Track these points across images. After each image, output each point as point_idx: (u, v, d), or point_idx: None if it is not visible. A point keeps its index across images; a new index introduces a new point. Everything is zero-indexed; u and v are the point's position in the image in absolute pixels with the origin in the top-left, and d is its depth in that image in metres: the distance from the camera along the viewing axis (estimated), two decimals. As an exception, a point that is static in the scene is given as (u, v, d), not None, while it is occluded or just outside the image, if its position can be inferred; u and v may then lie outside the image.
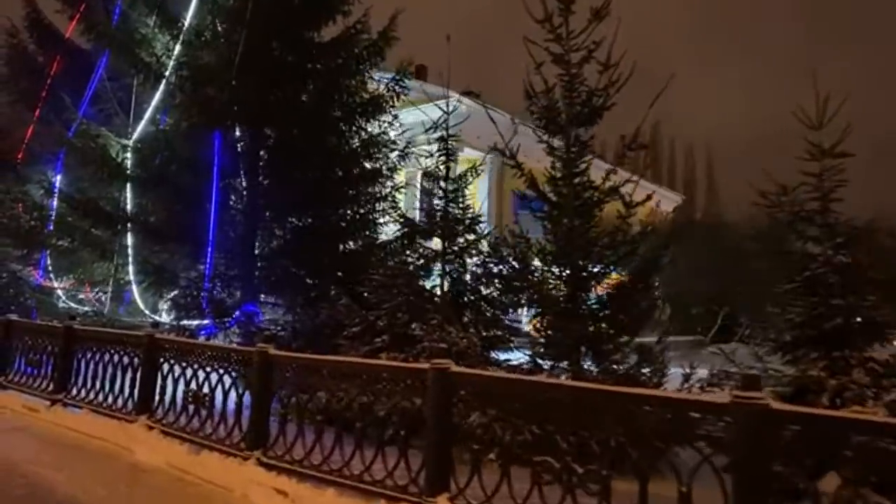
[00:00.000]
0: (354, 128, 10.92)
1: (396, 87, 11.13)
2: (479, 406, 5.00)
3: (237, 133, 10.65)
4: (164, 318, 10.28)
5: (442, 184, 8.66)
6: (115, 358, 7.90)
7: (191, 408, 6.78)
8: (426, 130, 8.63)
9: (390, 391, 5.34)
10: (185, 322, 9.97)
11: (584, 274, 7.46)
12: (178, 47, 10.56)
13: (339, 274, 9.93)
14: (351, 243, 10.89)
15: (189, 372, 6.94)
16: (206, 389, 6.67)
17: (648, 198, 7.72)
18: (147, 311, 10.07)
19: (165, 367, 7.28)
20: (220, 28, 10.79)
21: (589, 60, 7.62)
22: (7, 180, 11.59)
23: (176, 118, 10.61)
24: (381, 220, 11.02)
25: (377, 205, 11.06)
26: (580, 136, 7.71)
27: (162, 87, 10.51)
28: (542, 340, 7.57)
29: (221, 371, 6.60)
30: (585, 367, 7.12)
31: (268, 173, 10.71)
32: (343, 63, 10.90)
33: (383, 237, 10.91)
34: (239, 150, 10.63)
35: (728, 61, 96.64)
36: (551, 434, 4.27)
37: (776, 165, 6.72)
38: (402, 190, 11.50)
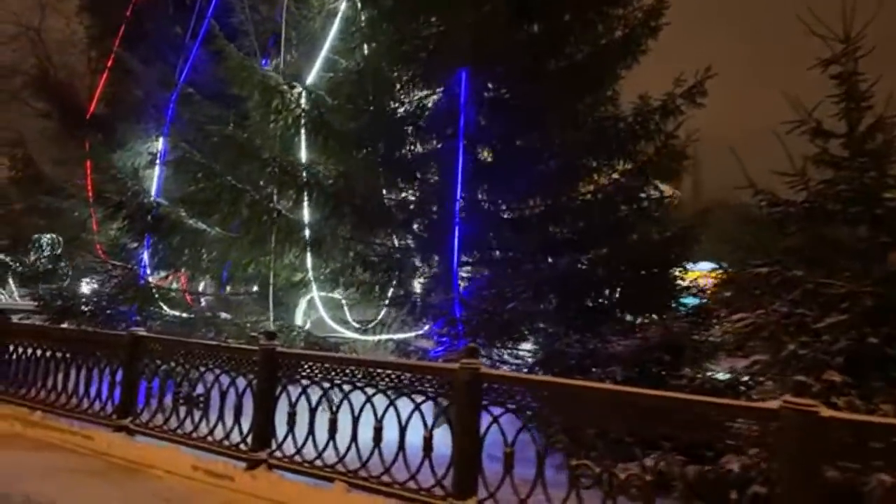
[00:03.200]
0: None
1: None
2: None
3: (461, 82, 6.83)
4: (351, 331, 7.41)
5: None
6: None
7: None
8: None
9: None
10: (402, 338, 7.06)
11: None
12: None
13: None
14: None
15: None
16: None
17: None
18: (332, 323, 7.39)
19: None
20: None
21: None
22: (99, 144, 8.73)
23: (368, 57, 7.37)
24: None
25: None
26: None
27: (340, 16, 7.76)
28: None
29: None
30: None
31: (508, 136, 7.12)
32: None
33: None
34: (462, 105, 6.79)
35: None
36: None
37: None
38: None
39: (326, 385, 5.39)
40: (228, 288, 8.19)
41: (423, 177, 6.65)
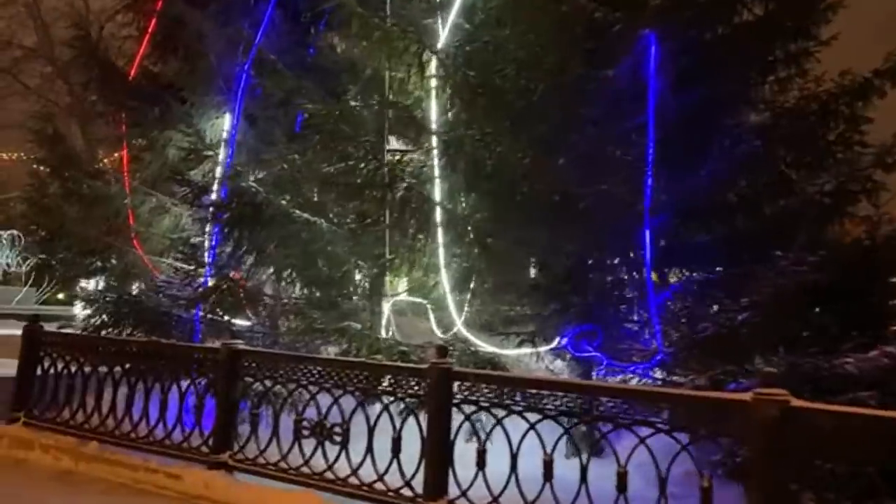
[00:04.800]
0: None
1: None
2: None
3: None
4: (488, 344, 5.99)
5: None
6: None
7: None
8: None
9: None
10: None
11: None
12: None
13: None
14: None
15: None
16: None
17: None
18: (465, 332, 5.66)
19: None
20: None
21: None
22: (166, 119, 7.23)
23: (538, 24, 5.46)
24: None
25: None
26: None
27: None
28: None
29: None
30: None
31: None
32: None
33: None
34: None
35: None
36: None
37: None
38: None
39: (516, 415, 4.25)
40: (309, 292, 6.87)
41: (605, 164, 5.42)
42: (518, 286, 5.75)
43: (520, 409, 4.29)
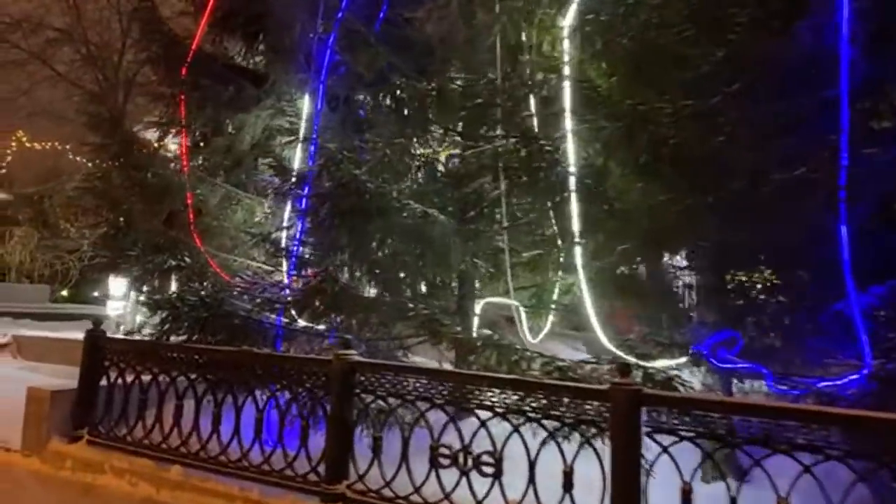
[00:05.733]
0: None
1: None
2: None
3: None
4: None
5: None
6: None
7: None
8: None
9: None
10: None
11: None
12: None
13: None
14: None
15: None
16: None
17: None
18: (610, 346, 5.12)
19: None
20: None
21: None
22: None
23: None
24: None
25: None
26: None
27: None
28: None
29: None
30: None
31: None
32: None
33: None
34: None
35: None
36: None
37: None
38: None
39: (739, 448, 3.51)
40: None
41: (797, 143, 4.56)
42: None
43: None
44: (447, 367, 5.39)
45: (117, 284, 12.54)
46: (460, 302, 5.74)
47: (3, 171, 17.02)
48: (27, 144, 15.14)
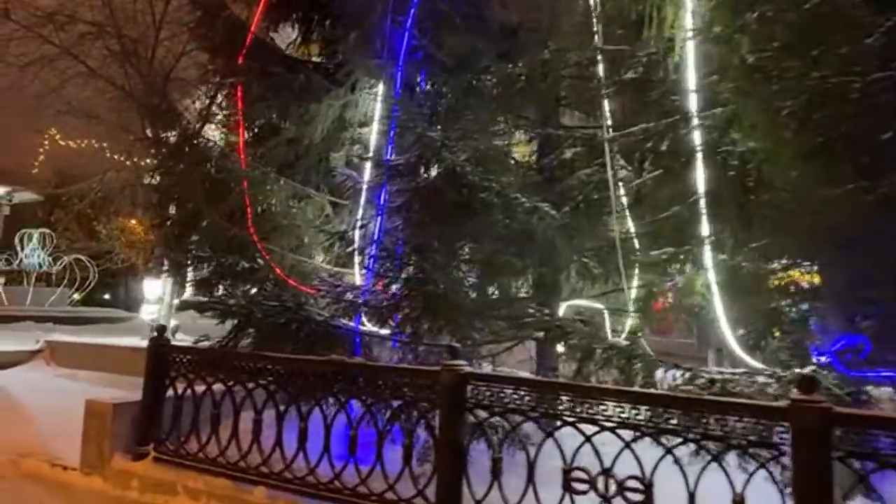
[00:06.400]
0: None
1: None
2: None
3: None
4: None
5: None
6: None
7: None
8: None
9: None
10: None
11: None
12: None
13: None
14: None
15: None
16: None
17: None
18: (748, 359, 4.25)
19: None
20: None
21: None
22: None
23: None
24: None
25: None
26: None
27: None
28: None
29: None
30: None
31: None
32: None
33: None
34: None
35: None
36: None
37: None
38: None
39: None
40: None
41: None
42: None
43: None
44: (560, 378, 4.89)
45: (152, 287, 12.08)
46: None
47: (35, 170, 16.62)
48: (61, 143, 14.73)
